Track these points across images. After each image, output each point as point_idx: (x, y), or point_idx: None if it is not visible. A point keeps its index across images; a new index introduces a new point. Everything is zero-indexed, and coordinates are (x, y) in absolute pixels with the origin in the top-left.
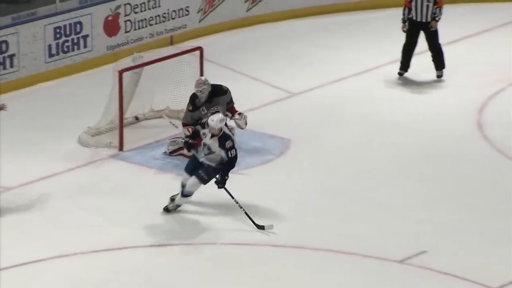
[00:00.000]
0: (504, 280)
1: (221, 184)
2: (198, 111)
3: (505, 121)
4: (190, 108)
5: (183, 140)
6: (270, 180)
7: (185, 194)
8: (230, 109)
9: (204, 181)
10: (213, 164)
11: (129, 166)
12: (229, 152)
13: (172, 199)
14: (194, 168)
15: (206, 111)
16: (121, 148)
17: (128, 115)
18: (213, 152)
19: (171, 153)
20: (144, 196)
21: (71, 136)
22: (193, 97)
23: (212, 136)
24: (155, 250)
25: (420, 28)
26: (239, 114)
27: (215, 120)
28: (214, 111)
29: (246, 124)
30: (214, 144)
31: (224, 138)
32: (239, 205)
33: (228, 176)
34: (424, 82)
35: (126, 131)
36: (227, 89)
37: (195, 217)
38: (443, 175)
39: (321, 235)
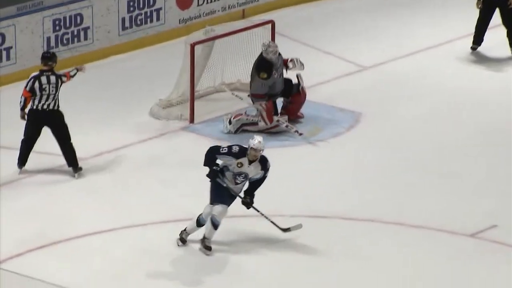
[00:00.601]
0: None
1: (250, 204)
2: (272, 77)
3: None
4: (265, 75)
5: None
6: (340, 153)
7: (215, 225)
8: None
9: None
10: (237, 191)
11: (200, 138)
12: (267, 172)
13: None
14: (225, 196)
15: (277, 74)
16: (192, 120)
17: (199, 87)
18: (246, 180)
19: (236, 131)
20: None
21: (143, 108)
22: (266, 63)
23: (251, 162)
24: (224, 221)
25: (497, 5)
26: (290, 61)
27: (258, 140)
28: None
29: (302, 65)
30: (255, 169)
31: (265, 159)
32: (261, 214)
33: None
34: (497, 58)
35: (197, 103)
36: None
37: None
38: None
39: (392, 208)
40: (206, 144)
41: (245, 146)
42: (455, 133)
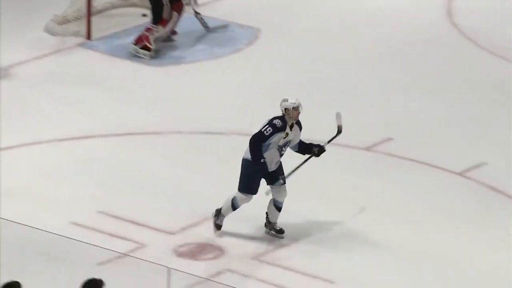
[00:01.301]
0: (469, 164)
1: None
2: None
3: (473, 8)
4: None
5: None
6: (239, 70)
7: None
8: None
9: None
10: (277, 165)
11: (97, 55)
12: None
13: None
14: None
15: None
16: (88, 37)
17: (96, 3)
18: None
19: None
20: (111, 86)
21: (38, 25)
22: None
23: (291, 126)
24: (122, 139)
25: None
26: None
27: (295, 98)
28: None
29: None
30: (296, 131)
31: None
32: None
33: None
34: None
35: (93, 19)
36: None
37: (164, 105)
38: (414, 63)
39: None
40: (103, 61)
41: (279, 115)
42: (353, 49)
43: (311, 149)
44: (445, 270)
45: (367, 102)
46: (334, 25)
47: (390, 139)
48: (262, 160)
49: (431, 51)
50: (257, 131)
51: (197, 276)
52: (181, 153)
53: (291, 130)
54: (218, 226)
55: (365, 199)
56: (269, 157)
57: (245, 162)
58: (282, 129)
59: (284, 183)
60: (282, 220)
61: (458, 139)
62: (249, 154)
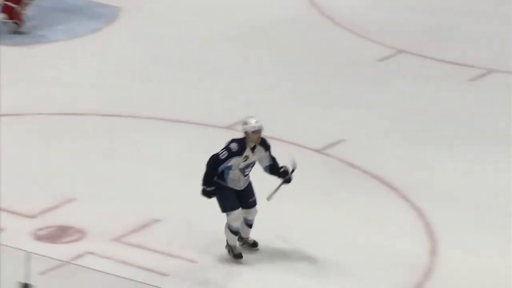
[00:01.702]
0: (327, 141)
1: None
2: None
3: None
4: None
5: None
6: (99, 48)
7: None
8: None
9: None
10: (244, 184)
11: None
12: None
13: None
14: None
15: None
16: None
17: None
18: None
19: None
20: None
21: None
22: None
23: (253, 148)
24: None
25: None
26: None
27: (255, 120)
28: None
29: None
30: (260, 153)
31: (262, 139)
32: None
33: None
34: None
35: None
36: None
37: None
38: (275, 41)
39: (152, 103)
40: None
41: (239, 138)
42: (216, 29)
43: (282, 176)
44: (304, 248)
45: (227, 81)
46: (197, 6)
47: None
48: (207, 189)
49: (293, 31)
50: (215, 152)
51: (57, 259)
52: (41, 135)
53: (253, 152)
54: (238, 256)
55: None
56: (235, 176)
57: (215, 184)
58: (238, 153)
59: (255, 204)
60: (148, 195)
61: (316, 117)
62: (216, 178)
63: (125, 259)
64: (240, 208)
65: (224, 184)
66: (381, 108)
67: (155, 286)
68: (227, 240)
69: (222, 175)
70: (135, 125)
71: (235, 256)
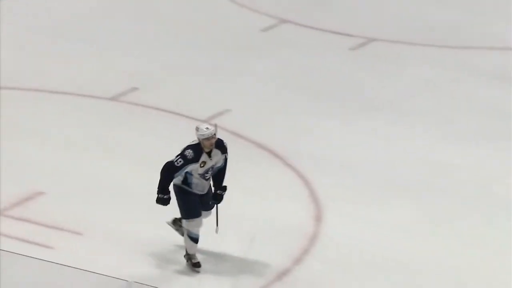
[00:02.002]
0: (214, 111)
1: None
2: None
3: None
4: None
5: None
6: None
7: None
8: None
9: None
10: (206, 187)
11: None
12: (227, 152)
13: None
14: (195, 207)
15: None
16: None
17: None
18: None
19: None
20: None
21: None
22: None
23: (209, 152)
24: None
25: None
26: None
27: (205, 126)
28: None
29: None
30: (217, 156)
31: (219, 141)
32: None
33: None
34: None
35: None
36: None
37: None
38: (159, 12)
39: (36, 74)
40: None
41: (193, 143)
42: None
43: (218, 189)
44: None
45: (111, 52)
46: None
47: (135, 88)
48: (163, 196)
49: (176, 2)
50: (170, 159)
51: None
52: None
53: (210, 157)
54: (196, 265)
55: (117, 149)
56: (196, 181)
57: (176, 188)
58: (194, 160)
59: (212, 207)
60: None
61: (202, 87)
62: (180, 183)
63: (8, 232)
64: (202, 215)
65: (189, 189)
66: (266, 78)
67: (40, 259)
68: (186, 249)
69: (186, 180)
70: (16, 96)
71: (194, 265)
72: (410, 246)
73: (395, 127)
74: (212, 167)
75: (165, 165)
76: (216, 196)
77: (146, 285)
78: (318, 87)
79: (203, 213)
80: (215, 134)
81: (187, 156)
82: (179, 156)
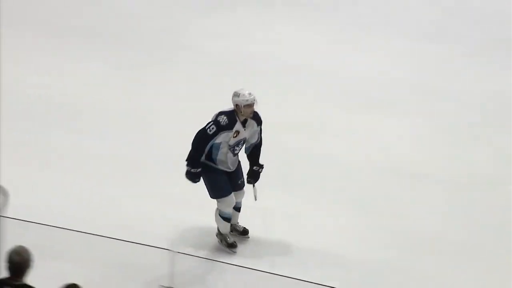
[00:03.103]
0: None
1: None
2: None
3: None
4: None
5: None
6: None
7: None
8: None
9: None
10: (234, 165)
11: None
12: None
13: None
14: (224, 186)
15: None
16: None
17: None
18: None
19: None
20: None
21: None
22: None
23: (245, 122)
24: None
25: None
26: None
27: (247, 92)
28: None
29: None
30: (252, 128)
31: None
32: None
33: None
34: None
35: None
36: None
37: None
38: None
39: None
40: None
41: (228, 110)
42: None
43: (254, 165)
44: None
45: None
46: None
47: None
48: (193, 170)
49: None
50: (202, 126)
51: None
52: None
53: (244, 127)
54: (232, 245)
55: None
56: (223, 156)
57: (203, 166)
58: (228, 127)
59: (244, 186)
60: None
61: None
62: (204, 158)
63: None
64: (232, 193)
65: (214, 166)
66: None
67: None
68: (218, 229)
69: (210, 156)
70: None
71: (229, 245)
72: None
73: None
74: (243, 141)
75: (196, 134)
76: (252, 173)
77: (190, 255)
78: None
79: (236, 194)
80: (256, 102)
81: (221, 122)
82: (211, 123)
